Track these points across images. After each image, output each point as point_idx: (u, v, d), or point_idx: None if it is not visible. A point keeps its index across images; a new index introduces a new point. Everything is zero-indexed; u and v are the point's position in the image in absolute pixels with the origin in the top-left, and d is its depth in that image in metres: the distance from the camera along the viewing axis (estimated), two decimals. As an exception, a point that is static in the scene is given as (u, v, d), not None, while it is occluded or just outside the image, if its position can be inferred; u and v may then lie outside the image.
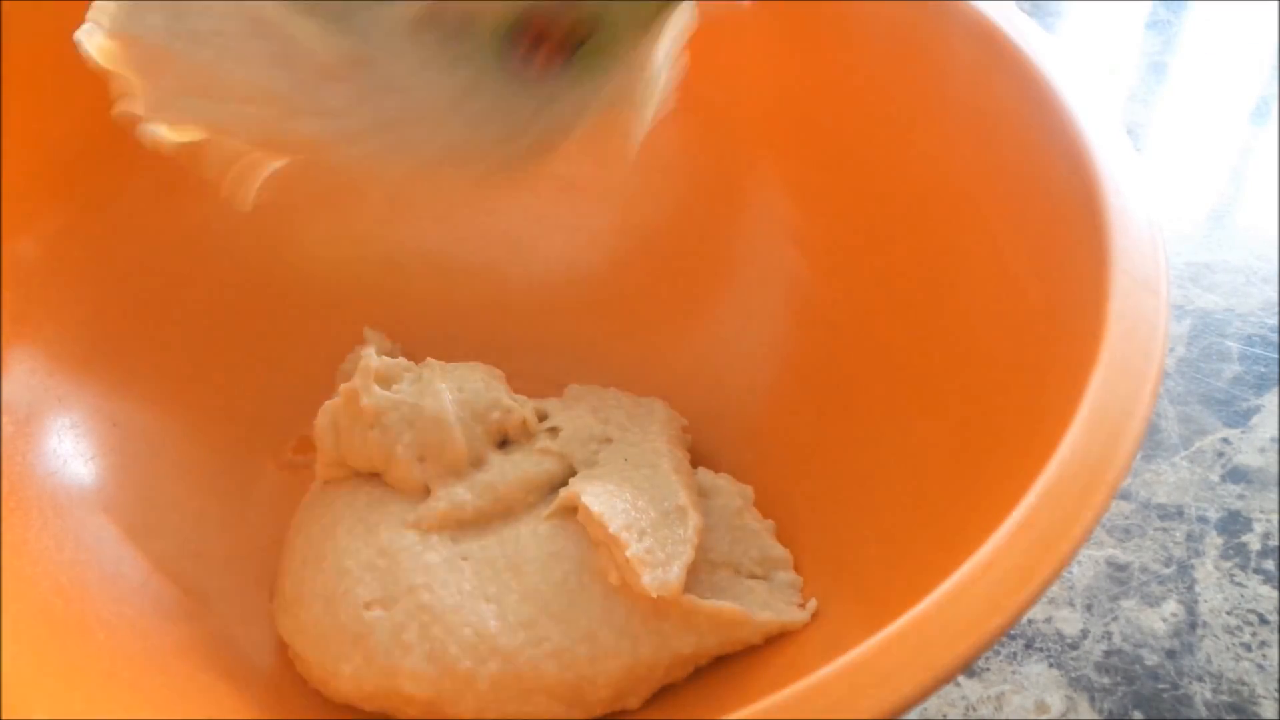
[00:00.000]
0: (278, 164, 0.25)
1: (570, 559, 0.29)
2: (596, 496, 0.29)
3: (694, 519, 0.30)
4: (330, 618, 0.29)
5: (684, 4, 0.22)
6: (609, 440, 0.33)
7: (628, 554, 0.27)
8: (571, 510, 0.30)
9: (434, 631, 0.28)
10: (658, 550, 0.28)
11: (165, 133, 0.25)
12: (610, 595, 0.28)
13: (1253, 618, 0.35)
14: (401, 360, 0.33)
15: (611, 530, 0.28)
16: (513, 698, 0.27)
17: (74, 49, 0.33)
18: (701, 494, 0.32)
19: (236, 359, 0.36)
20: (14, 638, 0.26)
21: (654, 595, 0.27)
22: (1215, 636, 0.34)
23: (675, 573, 0.28)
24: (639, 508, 0.29)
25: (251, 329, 0.36)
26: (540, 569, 0.29)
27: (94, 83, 0.33)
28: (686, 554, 0.28)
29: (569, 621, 0.28)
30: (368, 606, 0.28)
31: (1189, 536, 0.37)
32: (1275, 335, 0.43)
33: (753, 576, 0.30)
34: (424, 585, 0.28)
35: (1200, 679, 0.33)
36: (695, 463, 0.34)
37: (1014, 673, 0.33)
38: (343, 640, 0.28)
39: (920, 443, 0.29)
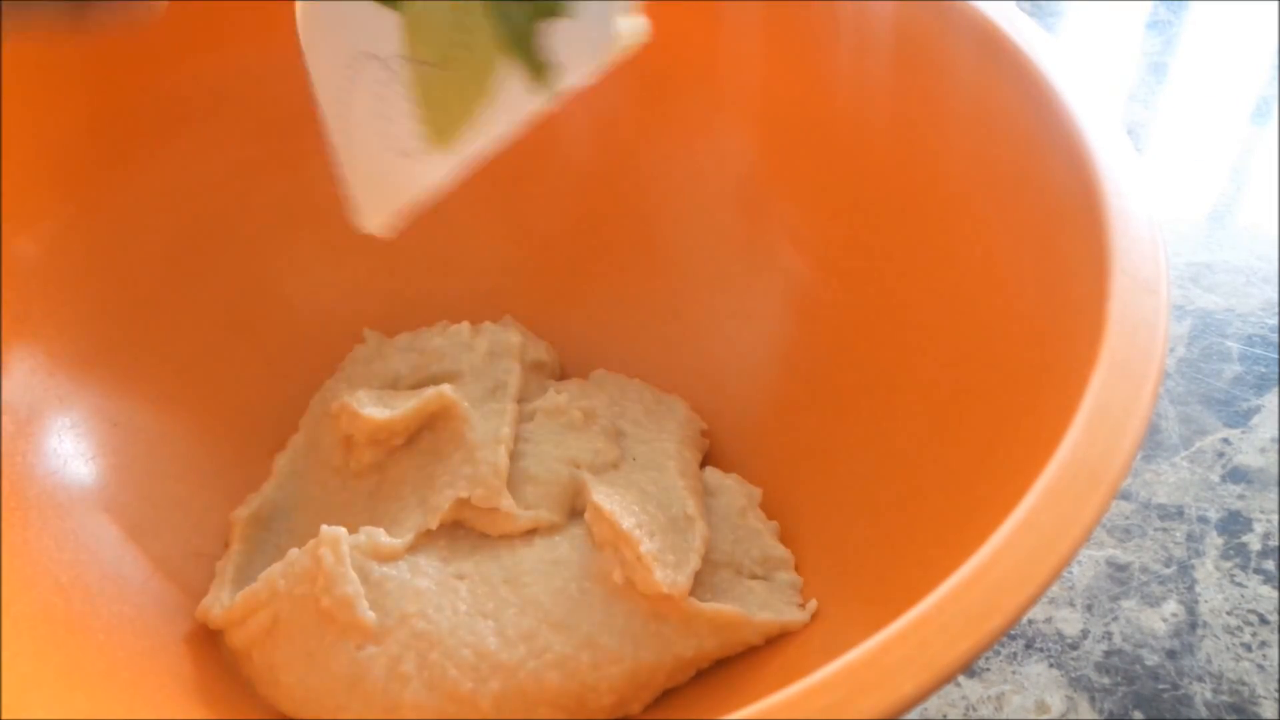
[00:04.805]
0: None
1: (570, 566, 0.29)
2: (607, 496, 0.29)
3: (701, 529, 0.30)
4: (317, 672, 0.28)
5: None
6: (621, 434, 0.33)
7: (641, 550, 0.27)
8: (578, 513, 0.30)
9: (432, 657, 0.27)
10: (668, 552, 0.28)
11: None
12: (611, 600, 0.28)
13: (1253, 618, 0.35)
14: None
15: (624, 528, 0.28)
16: (516, 712, 0.27)
17: (74, 49, 0.33)
18: (706, 493, 0.32)
19: (237, 359, 0.36)
20: (14, 638, 0.26)
21: (665, 592, 0.27)
22: (1215, 637, 0.34)
23: (685, 576, 0.28)
24: (649, 511, 0.29)
25: (252, 329, 0.36)
26: (539, 579, 0.29)
27: (94, 82, 0.34)
28: (694, 562, 0.28)
29: (570, 629, 0.28)
30: (359, 645, 0.27)
31: (1189, 537, 0.37)
32: (1275, 335, 0.43)
33: (753, 577, 0.30)
34: (417, 612, 0.28)
35: (1200, 679, 0.33)
36: (706, 462, 0.34)
37: (1014, 673, 0.33)
38: (336, 690, 0.27)
39: (920, 443, 0.29)
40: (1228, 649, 0.34)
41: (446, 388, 0.32)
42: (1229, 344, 0.43)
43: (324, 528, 0.29)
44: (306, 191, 0.38)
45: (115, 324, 0.34)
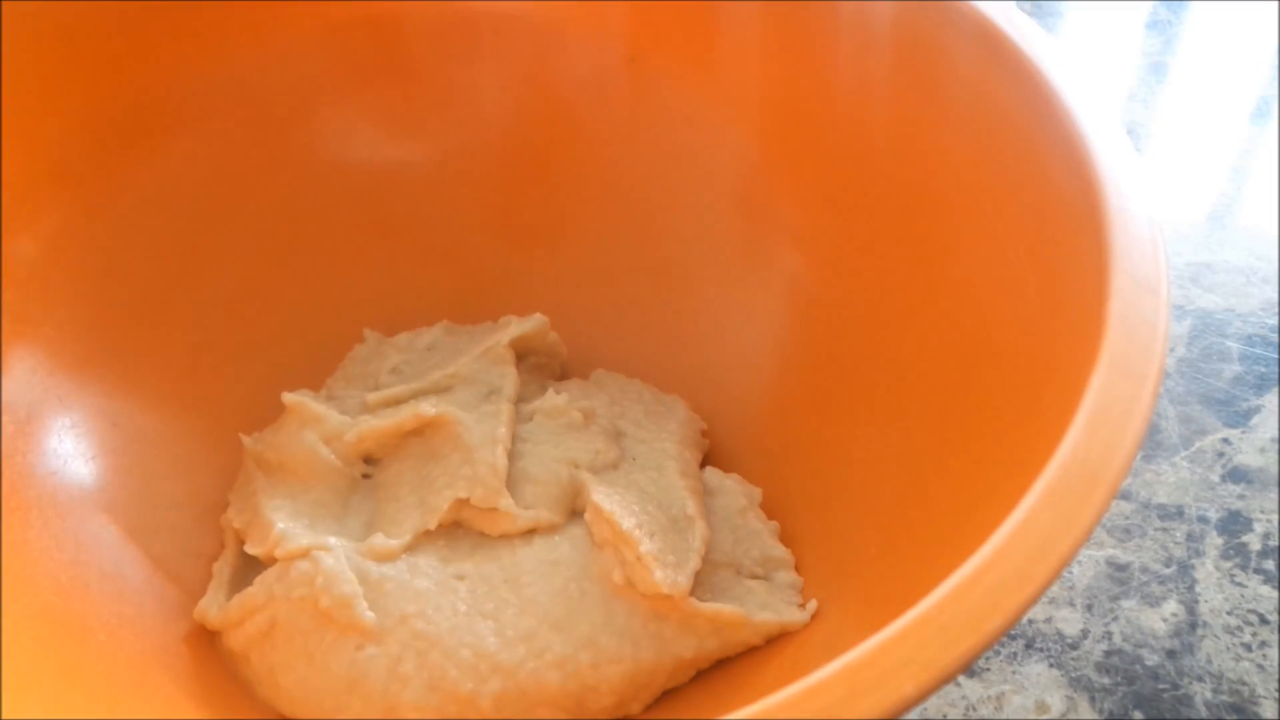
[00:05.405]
0: None
1: (570, 566, 0.29)
2: (607, 496, 0.29)
3: (701, 529, 0.30)
4: (316, 673, 0.28)
5: None
6: (621, 434, 0.33)
7: (640, 550, 0.27)
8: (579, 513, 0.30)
9: (432, 658, 0.27)
10: (668, 552, 0.28)
11: None
12: (611, 600, 0.28)
13: (1253, 618, 0.35)
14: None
15: (624, 528, 0.28)
16: (516, 712, 0.27)
17: (74, 48, 0.33)
18: (706, 493, 0.32)
19: (237, 359, 0.36)
20: (14, 638, 0.26)
21: (665, 592, 0.27)
22: (1215, 636, 0.34)
23: (685, 576, 0.28)
24: (649, 512, 0.29)
25: (251, 329, 0.36)
26: (539, 579, 0.29)
27: (94, 82, 0.34)
28: (694, 562, 0.28)
29: (570, 629, 0.28)
30: (358, 646, 0.28)
31: (1189, 536, 0.37)
32: (1275, 335, 0.43)
33: (753, 577, 0.30)
34: (417, 613, 0.28)
35: (1200, 679, 0.33)
36: (706, 462, 0.34)
37: (1014, 673, 0.33)
38: (336, 690, 0.27)
39: (921, 443, 0.29)
40: (1228, 649, 0.34)
41: (427, 405, 0.32)
42: (1229, 344, 0.43)
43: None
44: (306, 191, 0.38)
45: (115, 324, 0.34)
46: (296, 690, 0.28)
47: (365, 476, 0.33)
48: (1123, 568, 0.36)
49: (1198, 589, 0.35)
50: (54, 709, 0.25)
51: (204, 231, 0.36)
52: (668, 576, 0.27)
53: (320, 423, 0.32)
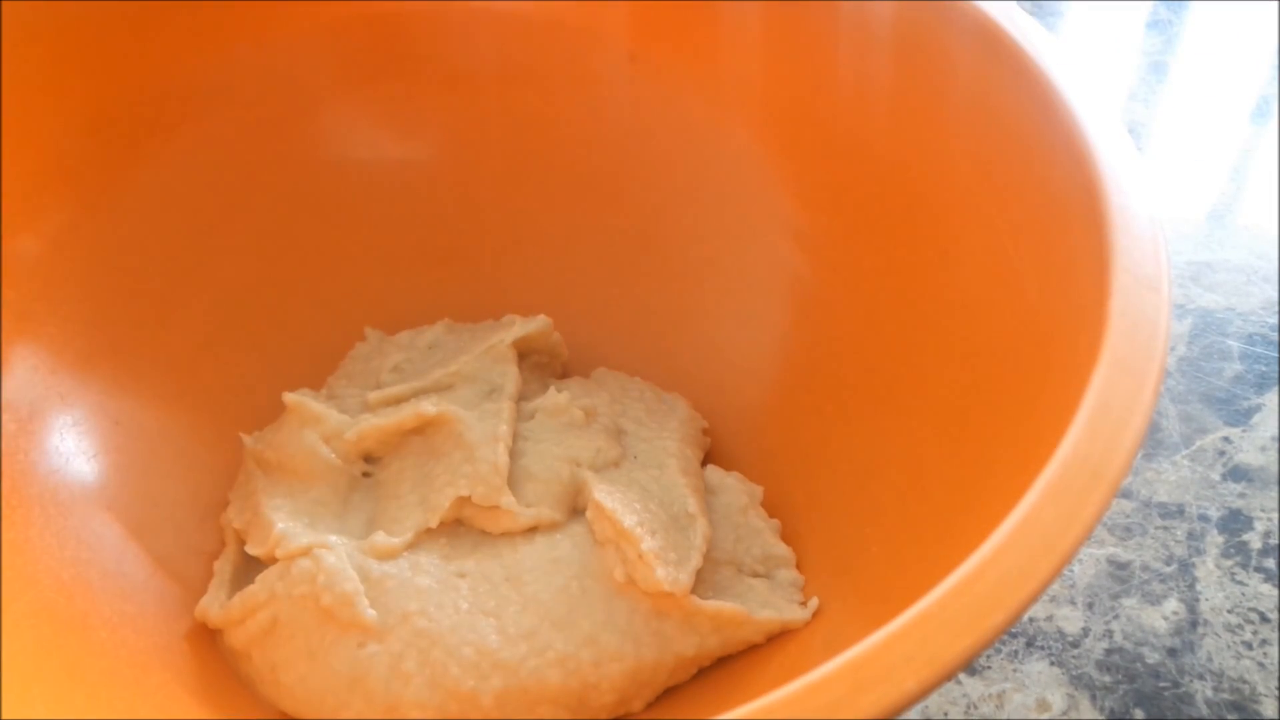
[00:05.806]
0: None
1: (571, 564, 0.29)
2: (608, 494, 0.29)
3: (702, 526, 0.30)
4: (318, 671, 0.28)
5: None
6: (622, 432, 0.33)
7: (642, 548, 0.27)
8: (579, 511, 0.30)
9: (434, 655, 0.27)
10: (669, 550, 0.28)
11: None
12: (612, 598, 0.28)
13: (1254, 616, 0.35)
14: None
15: (626, 525, 0.28)
16: (518, 710, 0.27)
17: (75, 47, 0.33)
18: (708, 491, 0.32)
19: (238, 357, 0.36)
20: (15, 636, 0.26)
21: (667, 589, 0.27)
22: (1216, 635, 0.34)
23: (687, 573, 0.28)
24: (650, 510, 0.29)
25: (253, 327, 0.36)
26: (540, 577, 0.29)
27: (95, 81, 0.34)
28: (695, 560, 0.28)
29: (571, 627, 0.28)
30: (360, 644, 0.28)
31: (1190, 535, 0.37)
32: (1276, 334, 0.43)
33: (755, 575, 0.30)
34: (418, 610, 0.28)
35: (1201, 677, 0.33)
36: (707, 460, 0.34)
37: (1015, 670, 0.33)
38: (337, 688, 0.27)
39: (921, 441, 0.29)
40: (1228, 647, 0.34)
41: (428, 403, 0.32)
42: (1229, 343, 0.43)
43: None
44: (307, 190, 0.38)
45: (117, 322, 0.34)
46: (298, 688, 0.28)
47: (366, 475, 0.33)
48: (1123, 566, 0.36)
49: (1198, 587, 0.35)
50: (55, 707, 0.25)
51: (205, 230, 0.36)
52: (669, 574, 0.27)
53: (320, 422, 0.33)
